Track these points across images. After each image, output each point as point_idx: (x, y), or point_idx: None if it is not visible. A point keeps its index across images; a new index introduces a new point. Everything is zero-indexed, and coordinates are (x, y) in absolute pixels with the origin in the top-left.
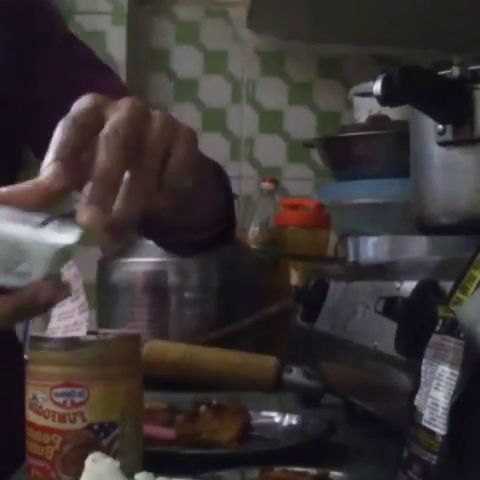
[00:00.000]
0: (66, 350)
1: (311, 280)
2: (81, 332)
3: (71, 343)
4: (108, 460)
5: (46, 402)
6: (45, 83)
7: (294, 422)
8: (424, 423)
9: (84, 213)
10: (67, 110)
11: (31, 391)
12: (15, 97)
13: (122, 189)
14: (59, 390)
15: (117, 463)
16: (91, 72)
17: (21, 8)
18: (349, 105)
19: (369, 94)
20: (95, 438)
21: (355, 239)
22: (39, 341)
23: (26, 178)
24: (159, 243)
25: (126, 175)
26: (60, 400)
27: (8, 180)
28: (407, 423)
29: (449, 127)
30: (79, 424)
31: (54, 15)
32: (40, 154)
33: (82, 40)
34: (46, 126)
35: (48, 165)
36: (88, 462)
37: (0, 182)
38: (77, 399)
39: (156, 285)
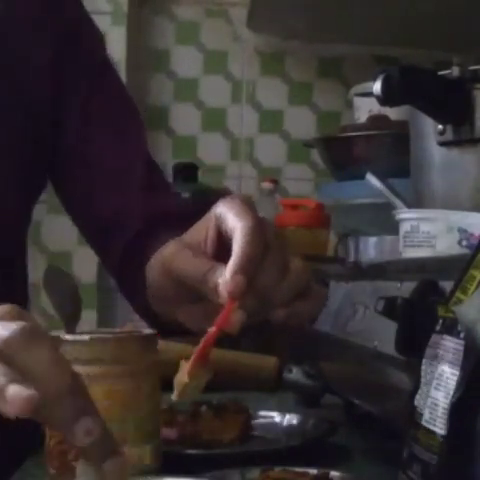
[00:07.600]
0: None
1: None
2: None
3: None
4: None
5: None
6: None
7: (294, 422)
8: (424, 423)
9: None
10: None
11: None
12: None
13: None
14: None
15: None
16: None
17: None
18: (349, 105)
19: (369, 94)
20: None
21: (355, 239)
22: None
23: None
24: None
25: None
26: None
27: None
28: (407, 423)
29: (449, 127)
30: None
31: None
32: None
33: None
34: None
35: (233, 275)
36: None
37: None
38: None
39: None
